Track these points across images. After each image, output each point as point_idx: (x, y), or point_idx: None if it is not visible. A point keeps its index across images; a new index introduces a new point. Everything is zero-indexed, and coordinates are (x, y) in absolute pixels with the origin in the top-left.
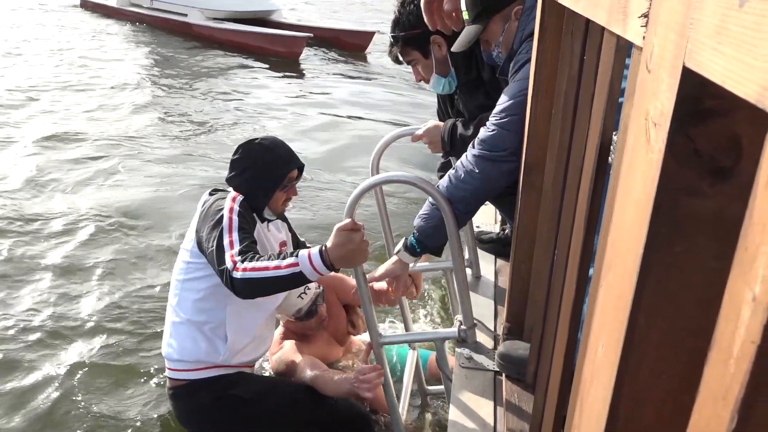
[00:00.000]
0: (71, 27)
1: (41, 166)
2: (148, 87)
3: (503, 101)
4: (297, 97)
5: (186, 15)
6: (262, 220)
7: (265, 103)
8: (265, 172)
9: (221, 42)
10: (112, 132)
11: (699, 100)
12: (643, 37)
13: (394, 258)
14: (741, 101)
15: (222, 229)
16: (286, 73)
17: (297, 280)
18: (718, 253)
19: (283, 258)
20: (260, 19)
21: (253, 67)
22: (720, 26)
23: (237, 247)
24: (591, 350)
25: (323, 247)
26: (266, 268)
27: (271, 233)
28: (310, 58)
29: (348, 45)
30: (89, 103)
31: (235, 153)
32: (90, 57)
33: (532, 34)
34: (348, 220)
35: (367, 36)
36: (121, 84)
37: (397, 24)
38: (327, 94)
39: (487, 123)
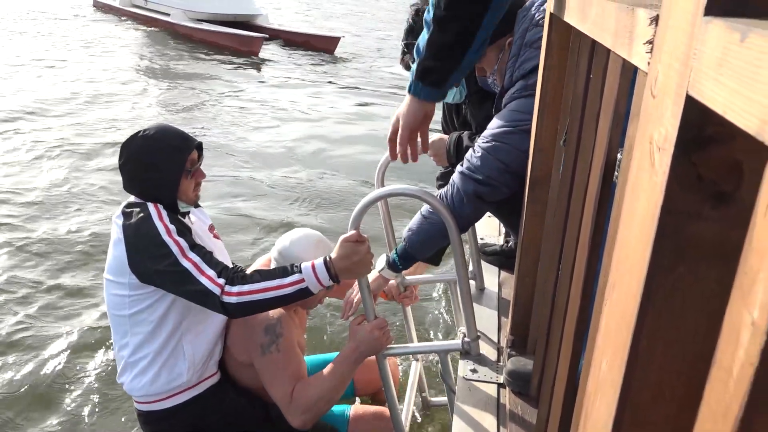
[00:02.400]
0: (82, 22)
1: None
2: (128, 75)
3: (493, 126)
4: (261, 93)
5: (169, 15)
6: (183, 215)
7: (248, 98)
8: (159, 167)
9: (197, 40)
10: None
11: (701, 127)
12: (648, 63)
13: (375, 274)
14: (742, 130)
15: (174, 256)
16: (255, 69)
17: (301, 295)
18: (719, 276)
19: (284, 275)
20: (244, 22)
21: (225, 64)
22: (722, 59)
23: (210, 270)
24: (595, 365)
25: (327, 258)
26: (266, 289)
27: (196, 225)
28: (284, 58)
29: (318, 48)
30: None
31: (121, 155)
32: (90, 45)
33: (521, 78)
34: (353, 232)
35: (334, 40)
36: (103, 70)
37: (411, 32)
38: (292, 91)
39: (475, 145)
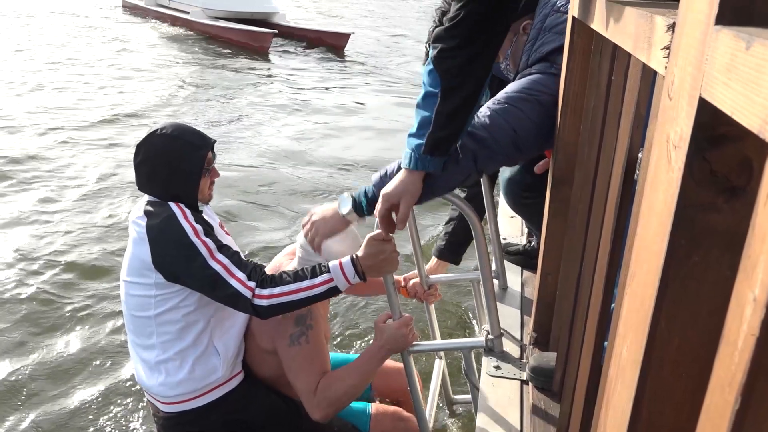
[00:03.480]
0: (113, 20)
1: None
2: (149, 67)
3: (509, 90)
4: (271, 84)
5: (188, 12)
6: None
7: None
8: (180, 164)
9: (212, 36)
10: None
11: (713, 127)
12: (665, 67)
13: (338, 215)
14: (747, 129)
15: (203, 258)
16: (267, 65)
17: (330, 293)
18: (731, 263)
19: (314, 275)
20: (262, 20)
21: (238, 60)
22: (730, 64)
23: (239, 272)
24: (616, 352)
25: (355, 257)
26: (298, 290)
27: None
28: (295, 54)
29: (329, 44)
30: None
31: (137, 154)
32: (119, 41)
33: (539, 60)
34: (379, 231)
35: (344, 37)
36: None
37: None
38: (295, 82)
39: (484, 107)
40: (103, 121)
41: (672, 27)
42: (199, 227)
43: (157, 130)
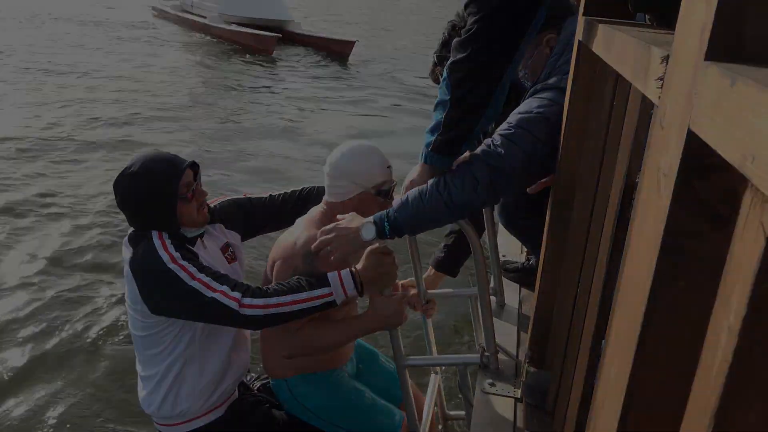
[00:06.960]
0: (144, 23)
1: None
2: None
3: (521, 110)
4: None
5: (206, 17)
6: (192, 243)
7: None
8: (153, 201)
9: (225, 39)
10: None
11: (701, 158)
12: (659, 98)
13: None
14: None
15: (182, 280)
16: (277, 69)
17: (327, 307)
18: (716, 290)
19: (311, 287)
20: (276, 27)
21: (245, 64)
22: (716, 100)
23: (221, 286)
24: (605, 374)
25: (354, 269)
26: (294, 302)
27: (208, 250)
28: (301, 58)
29: (335, 51)
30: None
31: (115, 195)
32: (143, 41)
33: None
34: (379, 245)
35: (349, 44)
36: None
37: (444, 46)
38: (296, 89)
39: (495, 134)
40: (116, 117)
41: (666, 59)
42: (177, 254)
43: (125, 169)
